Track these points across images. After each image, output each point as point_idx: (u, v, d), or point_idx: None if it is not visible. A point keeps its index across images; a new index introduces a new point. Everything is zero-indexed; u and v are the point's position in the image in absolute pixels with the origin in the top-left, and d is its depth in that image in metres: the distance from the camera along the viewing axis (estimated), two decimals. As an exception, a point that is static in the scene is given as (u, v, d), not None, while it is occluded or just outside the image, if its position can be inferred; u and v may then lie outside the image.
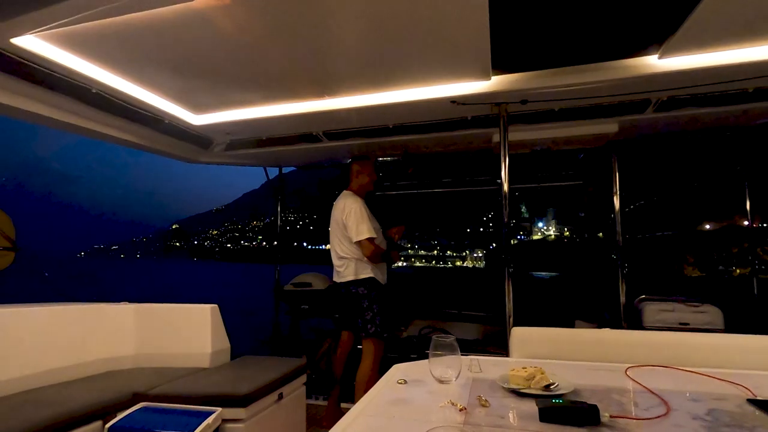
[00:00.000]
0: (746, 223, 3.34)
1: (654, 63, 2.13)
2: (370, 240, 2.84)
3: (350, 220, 2.88)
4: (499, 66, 2.25)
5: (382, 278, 3.00)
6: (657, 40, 2.05)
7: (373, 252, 2.85)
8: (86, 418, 1.83)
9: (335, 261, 3.04)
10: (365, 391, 2.78)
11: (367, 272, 2.91)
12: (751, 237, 3.28)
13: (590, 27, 2.11)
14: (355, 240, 2.87)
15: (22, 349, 2.17)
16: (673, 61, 2.09)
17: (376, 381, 2.89)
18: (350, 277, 2.92)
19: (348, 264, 2.94)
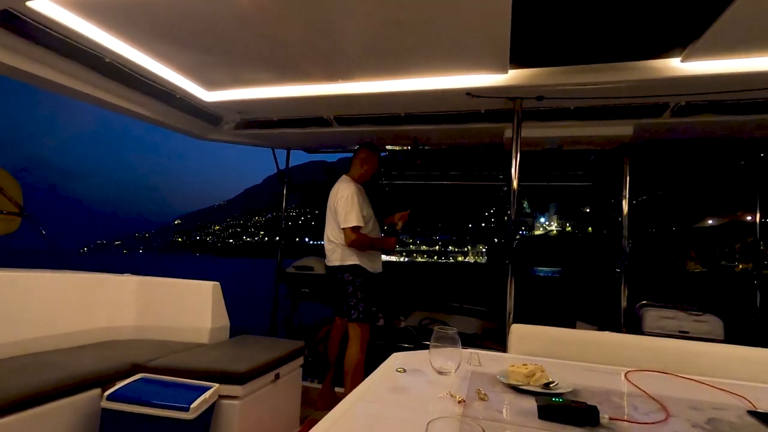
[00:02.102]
0: (749, 218, 3.30)
1: (676, 66, 2.09)
2: (354, 229, 2.83)
3: (340, 206, 2.88)
4: (517, 60, 2.21)
5: (371, 266, 2.99)
6: (681, 43, 2.01)
7: (354, 241, 2.84)
8: (86, 385, 1.86)
9: (326, 244, 3.06)
10: (353, 375, 2.83)
11: (353, 259, 2.91)
12: (755, 231, 3.23)
13: (613, 26, 2.06)
14: (341, 227, 2.87)
15: (26, 313, 2.19)
16: (696, 65, 2.05)
17: (363, 365, 2.92)
18: (336, 262, 2.95)
19: (335, 249, 2.96)
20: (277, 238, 4.55)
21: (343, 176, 3.10)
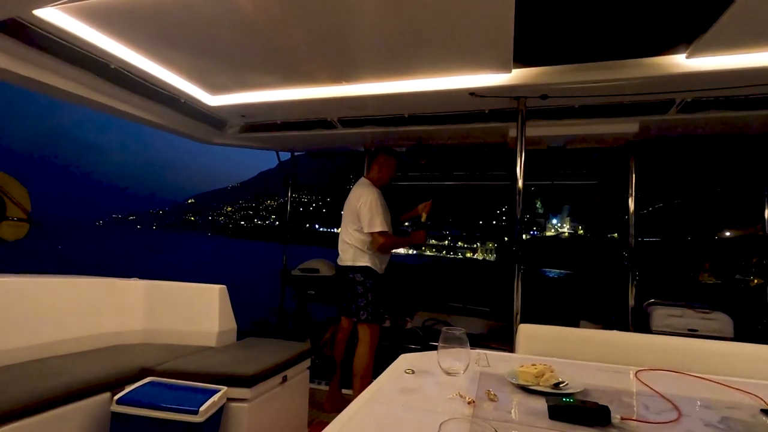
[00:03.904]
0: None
1: (681, 62, 2.07)
2: (382, 233, 2.87)
3: (364, 211, 2.90)
4: (521, 59, 2.20)
5: (380, 268, 3.02)
6: (686, 38, 1.99)
7: (382, 245, 2.88)
8: (96, 389, 1.87)
9: (340, 244, 3.09)
10: (362, 377, 2.83)
11: (364, 260, 2.94)
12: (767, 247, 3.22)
13: (618, 22, 2.06)
14: (366, 231, 2.90)
15: (35, 318, 2.21)
16: (702, 61, 2.04)
17: (372, 366, 2.92)
18: (348, 262, 2.99)
19: (348, 249, 2.99)
20: (286, 226, 4.54)
21: (363, 179, 3.13)
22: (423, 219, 3.11)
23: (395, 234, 3.15)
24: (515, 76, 2.29)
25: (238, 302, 2.93)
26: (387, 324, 4.00)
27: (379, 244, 2.87)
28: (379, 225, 2.86)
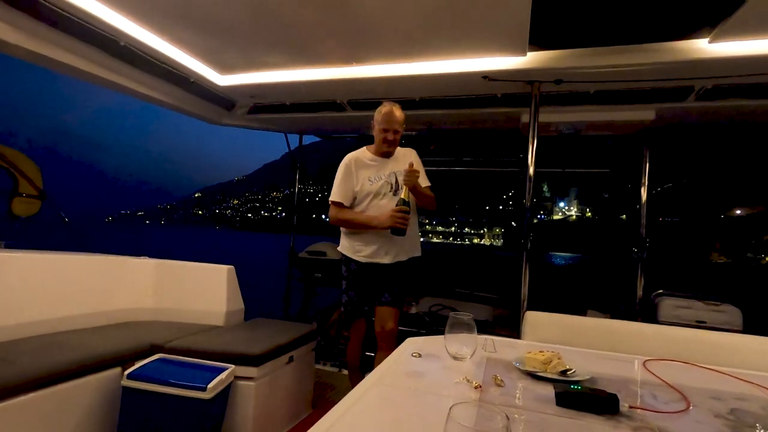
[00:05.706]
0: None
1: (703, 47, 2.01)
2: (334, 204, 2.45)
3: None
4: (537, 42, 2.15)
5: (360, 254, 2.50)
6: (709, 22, 1.92)
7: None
8: (107, 364, 1.91)
9: None
10: (349, 369, 2.68)
11: (341, 244, 2.58)
12: None
13: (638, 5, 1.98)
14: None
15: (47, 293, 2.24)
16: (725, 46, 1.97)
17: (358, 359, 2.70)
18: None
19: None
20: (294, 217, 4.56)
21: None
22: (403, 194, 2.26)
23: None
24: (530, 59, 2.24)
25: (246, 288, 2.94)
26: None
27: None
28: (333, 194, 2.44)
